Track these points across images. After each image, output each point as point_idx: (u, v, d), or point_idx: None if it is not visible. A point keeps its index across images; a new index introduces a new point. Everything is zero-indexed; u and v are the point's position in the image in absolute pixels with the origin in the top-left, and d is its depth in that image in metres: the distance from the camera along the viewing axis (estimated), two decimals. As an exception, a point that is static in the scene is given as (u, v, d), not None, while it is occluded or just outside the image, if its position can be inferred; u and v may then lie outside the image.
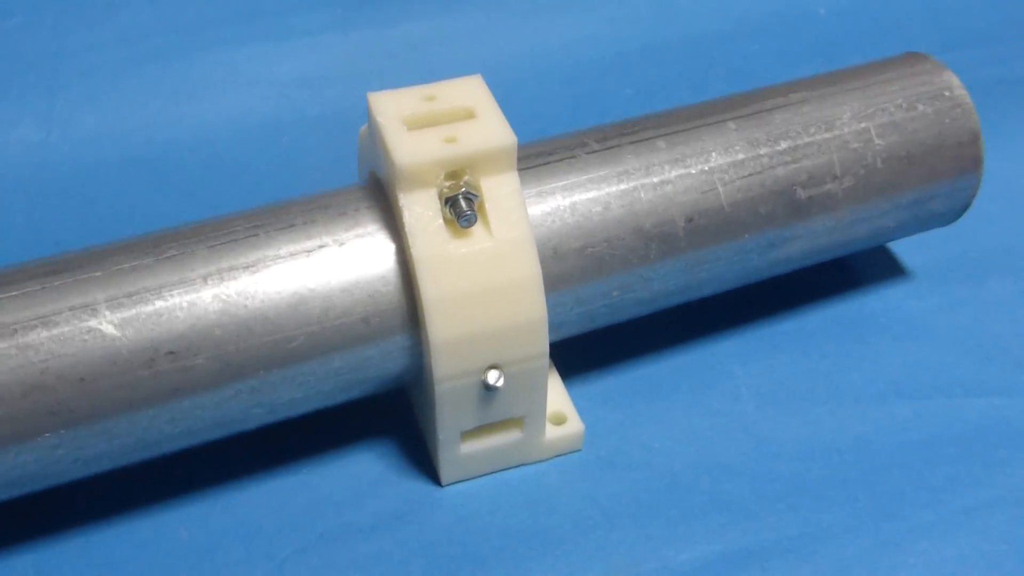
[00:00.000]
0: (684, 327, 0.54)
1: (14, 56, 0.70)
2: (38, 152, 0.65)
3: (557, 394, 0.48)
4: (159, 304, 0.40)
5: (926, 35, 0.80)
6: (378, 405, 0.49)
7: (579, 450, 0.49)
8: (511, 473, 0.48)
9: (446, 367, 0.41)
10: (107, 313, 0.39)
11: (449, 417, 0.43)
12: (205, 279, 0.41)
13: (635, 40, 0.76)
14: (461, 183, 0.40)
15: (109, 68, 0.70)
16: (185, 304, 0.40)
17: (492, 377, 0.42)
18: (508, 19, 0.78)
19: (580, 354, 0.51)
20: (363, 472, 0.47)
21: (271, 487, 0.47)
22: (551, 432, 0.47)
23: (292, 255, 0.42)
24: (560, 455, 0.48)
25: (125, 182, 0.63)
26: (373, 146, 0.43)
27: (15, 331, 0.39)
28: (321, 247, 0.42)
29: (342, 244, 0.42)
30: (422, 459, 0.48)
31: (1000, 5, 0.78)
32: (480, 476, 0.47)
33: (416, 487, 0.47)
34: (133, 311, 0.40)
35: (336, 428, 0.49)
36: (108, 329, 0.39)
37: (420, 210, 0.40)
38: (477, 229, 0.41)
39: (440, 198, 0.40)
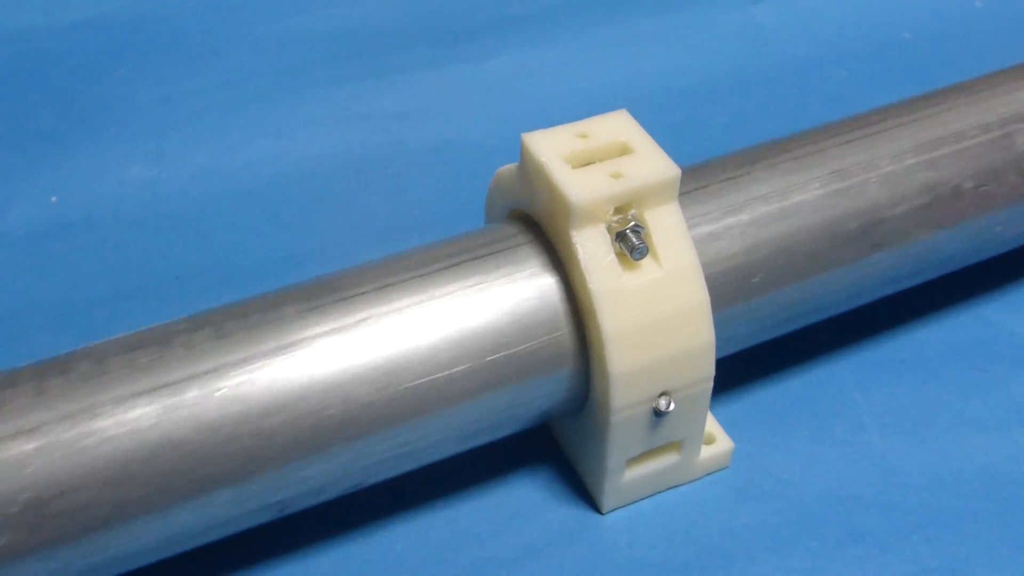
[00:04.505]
0: (800, 354, 0.54)
1: (125, 101, 0.72)
2: (150, 188, 0.67)
3: (705, 415, 0.49)
4: (329, 343, 0.41)
5: (1011, 57, 0.79)
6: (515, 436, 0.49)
7: (727, 467, 0.49)
8: (646, 503, 0.48)
9: (623, 397, 0.42)
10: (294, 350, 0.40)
11: (619, 445, 0.44)
12: (363, 322, 0.41)
13: (725, 69, 0.77)
14: (628, 217, 0.41)
15: (216, 109, 0.72)
16: (343, 345, 0.41)
17: (663, 404, 0.42)
18: (599, 50, 0.79)
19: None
20: (500, 506, 0.48)
21: (412, 522, 0.47)
22: (703, 452, 0.48)
23: (451, 294, 0.42)
24: (710, 474, 0.49)
25: (235, 215, 0.65)
26: (526, 185, 0.44)
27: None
28: (480, 284, 0.42)
29: (500, 281, 0.43)
30: (571, 488, 0.48)
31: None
32: (635, 502, 0.48)
33: (574, 515, 0.47)
34: (301, 356, 0.41)
35: (473, 460, 0.49)
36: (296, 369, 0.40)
37: (592, 246, 0.41)
38: (646, 260, 0.41)
39: (610, 233, 0.41)
